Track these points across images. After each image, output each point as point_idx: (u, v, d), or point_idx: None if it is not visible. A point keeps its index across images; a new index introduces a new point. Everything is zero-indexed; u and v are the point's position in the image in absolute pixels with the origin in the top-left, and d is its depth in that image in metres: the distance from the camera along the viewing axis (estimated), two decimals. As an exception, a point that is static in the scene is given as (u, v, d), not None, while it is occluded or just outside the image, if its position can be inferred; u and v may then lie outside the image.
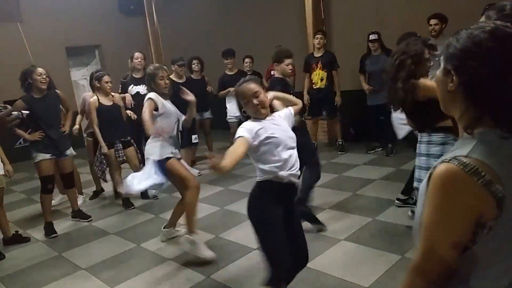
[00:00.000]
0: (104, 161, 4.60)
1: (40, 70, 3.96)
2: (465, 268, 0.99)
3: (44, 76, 3.95)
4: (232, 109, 6.23)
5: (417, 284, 1.01)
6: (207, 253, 3.24)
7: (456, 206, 0.92)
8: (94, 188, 5.42)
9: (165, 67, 3.59)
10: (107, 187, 5.29)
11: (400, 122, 3.29)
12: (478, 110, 0.95)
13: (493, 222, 0.93)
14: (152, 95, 3.36)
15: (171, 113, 3.42)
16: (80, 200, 4.90)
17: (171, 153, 3.37)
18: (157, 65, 3.59)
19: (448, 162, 0.94)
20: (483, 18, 1.75)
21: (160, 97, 3.38)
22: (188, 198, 3.35)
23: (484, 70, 0.91)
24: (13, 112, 1.77)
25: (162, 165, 3.30)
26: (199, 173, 5.17)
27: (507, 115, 0.92)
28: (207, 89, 6.24)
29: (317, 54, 5.97)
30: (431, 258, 0.97)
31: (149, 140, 3.40)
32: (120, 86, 5.22)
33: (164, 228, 3.71)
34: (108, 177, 4.82)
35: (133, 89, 5.19)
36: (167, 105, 3.43)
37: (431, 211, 0.96)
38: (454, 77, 0.97)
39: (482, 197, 0.90)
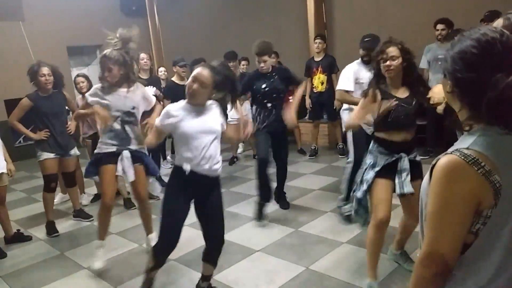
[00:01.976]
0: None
1: (44, 70, 3.93)
2: (462, 264, 1.04)
3: (48, 77, 3.95)
4: (232, 111, 6.27)
5: (424, 276, 1.05)
6: (96, 264, 3.27)
7: (457, 193, 0.99)
8: (93, 189, 5.42)
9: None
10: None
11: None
12: (470, 109, 1.04)
13: (489, 211, 0.99)
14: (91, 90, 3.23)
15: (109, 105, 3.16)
16: (83, 199, 4.91)
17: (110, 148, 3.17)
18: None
19: (450, 153, 1.01)
20: (496, 23, 1.76)
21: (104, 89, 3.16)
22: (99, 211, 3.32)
23: (468, 75, 1.00)
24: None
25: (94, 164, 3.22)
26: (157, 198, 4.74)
27: (497, 114, 0.99)
28: None
29: (317, 58, 6.02)
30: (438, 247, 1.02)
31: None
32: None
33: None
34: None
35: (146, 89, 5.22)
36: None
37: (434, 200, 1.02)
38: (449, 80, 1.07)
39: (481, 185, 0.98)
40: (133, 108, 3.23)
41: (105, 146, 3.19)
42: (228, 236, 3.70)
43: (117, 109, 3.17)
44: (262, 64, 3.95)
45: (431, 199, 1.03)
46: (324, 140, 6.81)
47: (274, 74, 4.03)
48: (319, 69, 5.98)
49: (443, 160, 1.02)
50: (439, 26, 5.01)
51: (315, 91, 6.04)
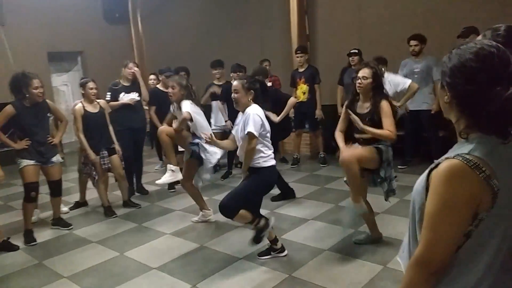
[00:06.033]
0: (93, 167, 4.54)
1: (36, 83, 3.86)
2: (453, 265, 1.08)
3: (40, 89, 3.89)
4: (215, 120, 6.29)
5: (418, 276, 1.08)
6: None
7: (459, 196, 1.03)
8: (72, 196, 5.34)
9: None
10: (89, 195, 5.20)
11: None
12: (468, 120, 1.08)
13: (485, 214, 1.04)
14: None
15: None
16: (62, 206, 4.79)
17: None
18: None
19: (452, 158, 1.06)
20: (479, 37, 1.85)
21: None
22: None
23: (468, 87, 1.05)
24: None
25: None
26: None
27: (494, 125, 1.04)
28: None
29: (301, 70, 6.14)
30: (435, 247, 1.05)
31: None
32: (110, 93, 5.18)
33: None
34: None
35: (125, 96, 5.18)
36: None
37: (435, 202, 1.05)
38: (447, 91, 1.11)
39: (482, 189, 1.02)
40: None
41: None
42: (211, 244, 3.73)
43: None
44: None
45: (432, 200, 1.06)
46: (306, 149, 6.90)
47: None
48: (301, 80, 6.09)
49: (446, 163, 1.05)
50: (412, 42, 5.19)
51: (298, 101, 6.12)
